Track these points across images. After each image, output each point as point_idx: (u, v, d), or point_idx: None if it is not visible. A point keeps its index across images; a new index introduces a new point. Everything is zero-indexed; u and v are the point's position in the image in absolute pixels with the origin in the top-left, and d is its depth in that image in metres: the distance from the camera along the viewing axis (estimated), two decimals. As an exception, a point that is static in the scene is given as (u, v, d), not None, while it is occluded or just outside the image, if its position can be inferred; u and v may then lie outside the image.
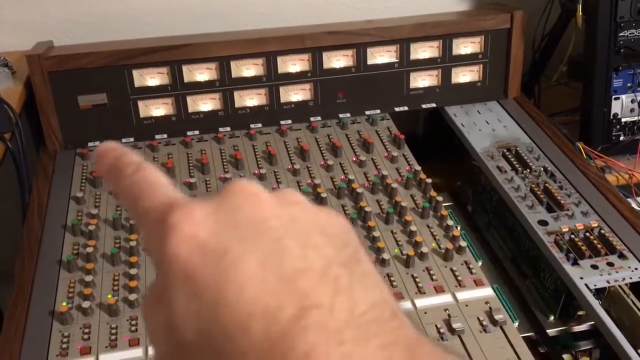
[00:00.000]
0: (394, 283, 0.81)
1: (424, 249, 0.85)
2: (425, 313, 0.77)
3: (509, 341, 0.74)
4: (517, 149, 1.07)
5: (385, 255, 0.84)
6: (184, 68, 1.09)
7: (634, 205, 1.04)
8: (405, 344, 0.23)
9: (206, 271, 0.24)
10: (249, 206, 0.26)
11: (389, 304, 0.24)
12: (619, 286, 0.81)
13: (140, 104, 1.10)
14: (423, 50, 1.18)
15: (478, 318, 0.76)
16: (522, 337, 0.76)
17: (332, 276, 0.24)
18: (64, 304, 0.78)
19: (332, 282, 0.24)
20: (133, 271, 0.82)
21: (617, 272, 0.82)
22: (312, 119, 1.15)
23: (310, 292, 0.23)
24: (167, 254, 0.24)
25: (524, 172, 1.01)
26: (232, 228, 0.25)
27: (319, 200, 0.95)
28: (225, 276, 0.23)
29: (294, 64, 1.13)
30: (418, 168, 1.03)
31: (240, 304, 0.23)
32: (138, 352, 0.73)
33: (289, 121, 1.14)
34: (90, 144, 1.08)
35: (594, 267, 0.83)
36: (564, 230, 0.89)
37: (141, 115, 1.10)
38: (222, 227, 0.25)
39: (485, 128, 1.14)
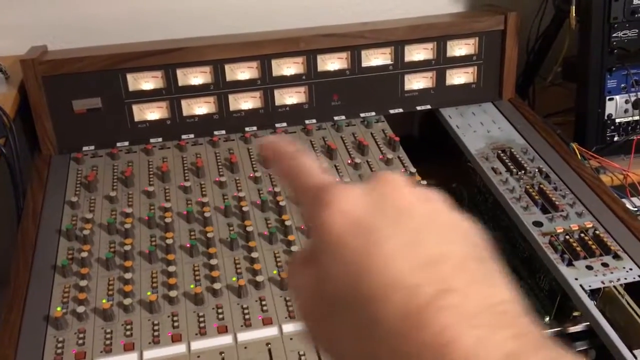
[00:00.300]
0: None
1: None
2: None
3: None
4: (512, 150, 1.07)
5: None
6: (179, 72, 1.09)
7: (629, 206, 1.04)
8: (535, 339, 0.25)
9: (356, 242, 0.27)
10: (397, 195, 0.29)
11: (518, 303, 0.26)
12: (614, 287, 0.81)
13: (135, 107, 1.10)
14: (417, 52, 1.18)
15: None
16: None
17: (468, 268, 0.27)
18: (59, 309, 0.78)
19: (467, 273, 0.26)
20: (128, 276, 0.82)
21: (611, 272, 0.82)
22: (307, 121, 1.15)
23: (447, 277, 0.26)
24: (323, 224, 0.28)
25: (519, 173, 1.02)
26: (381, 212, 0.28)
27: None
28: (373, 249, 0.27)
29: (288, 67, 1.13)
30: (413, 170, 1.03)
31: (383, 275, 0.26)
32: (133, 356, 0.72)
33: (284, 124, 1.14)
34: (84, 148, 1.08)
35: (589, 267, 0.83)
36: (558, 231, 0.89)
37: (136, 119, 1.10)
38: (372, 209, 0.28)
39: (480, 129, 1.14)
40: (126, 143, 1.09)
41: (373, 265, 0.26)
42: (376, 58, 1.16)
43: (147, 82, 1.09)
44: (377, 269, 0.26)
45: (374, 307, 0.26)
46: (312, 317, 0.30)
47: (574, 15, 1.13)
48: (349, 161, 1.05)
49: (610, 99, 1.16)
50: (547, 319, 0.87)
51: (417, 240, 0.27)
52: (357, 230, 0.28)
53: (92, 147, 1.08)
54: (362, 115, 1.17)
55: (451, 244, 0.28)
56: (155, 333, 0.75)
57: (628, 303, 0.80)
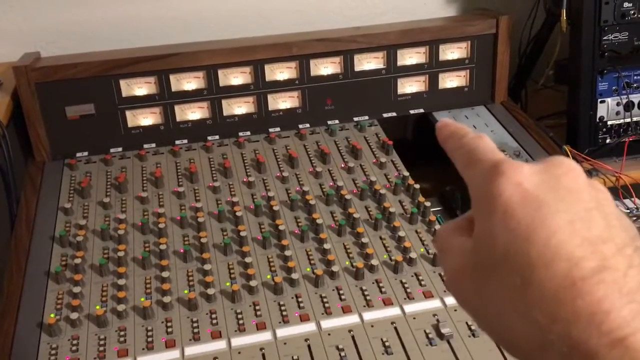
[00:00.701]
0: (383, 289, 0.81)
1: (413, 255, 0.86)
2: (414, 318, 0.77)
3: (498, 345, 0.74)
4: (505, 153, 1.08)
5: (374, 261, 0.85)
6: (172, 77, 1.09)
7: (622, 208, 1.04)
8: None
9: (523, 212, 0.29)
10: (569, 177, 0.30)
11: None
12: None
13: (128, 113, 1.10)
14: (410, 57, 1.18)
15: (467, 323, 0.76)
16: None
17: (628, 253, 0.28)
18: (52, 315, 0.77)
19: (627, 257, 0.28)
20: (121, 282, 0.82)
21: None
22: (300, 126, 1.15)
23: (609, 257, 0.28)
24: (493, 191, 0.30)
25: (512, 176, 1.02)
26: (552, 189, 0.30)
27: (307, 207, 0.95)
28: (539, 221, 0.29)
29: (281, 72, 1.14)
30: (406, 174, 1.03)
31: (548, 246, 0.28)
32: (127, 362, 0.72)
33: (278, 129, 1.15)
34: (78, 154, 1.08)
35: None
36: (551, 233, 0.89)
37: (129, 125, 1.10)
38: (544, 185, 0.30)
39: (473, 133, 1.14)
40: (120, 149, 1.09)
41: (539, 236, 0.28)
42: (369, 62, 1.17)
43: (141, 87, 1.09)
44: (543, 239, 0.28)
45: (535, 272, 0.28)
46: (465, 279, 0.32)
47: (564, 18, 1.14)
48: (343, 165, 1.05)
49: (602, 102, 1.17)
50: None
51: (583, 220, 0.29)
52: (527, 202, 0.29)
53: (86, 153, 1.08)
54: (355, 119, 1.17)
55: (614, 229, 0.29)
56: (149, 339, 0.75)
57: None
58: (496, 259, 0.30)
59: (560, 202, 0.29)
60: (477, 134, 0.35)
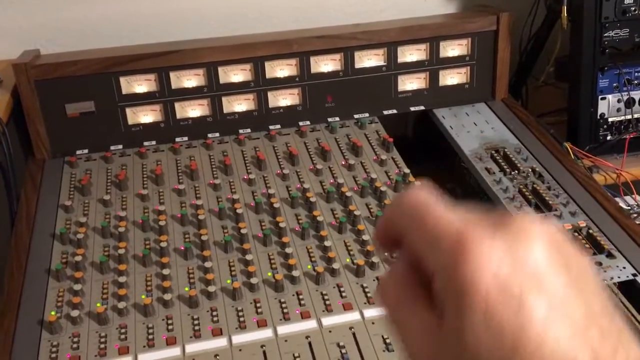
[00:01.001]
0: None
1: (414, 252, 0.86)
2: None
3: None
4: (505, 150, 1.07)
5: (375, 259, 0.84)
6: (172, 74, 1.09)
7: (622, 205, 1.04)
8: None
9: (506, 313, 0.25)
10: (541, 248, 0.26)
11: None
12: (608, 286, 0.82)
13: (129, 111, 1.10)
14: (410, 53, 1.18)
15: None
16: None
17: (607, 330, 0.26)
18: (53, 313, 0.77)
19: (610, 337, 0.25)
20: (122, 279, 0.82)
21: (605, 271, 0.83)
22: (300, 123, 1.15)
23: (597, 345, 0.25)
24: (465, 284, 0.26)
25: (512, 173, 1.02)
26: (529, 274, 0.26)
27: (308, 204, 0.95)
28: (525, 325, 0.25)
29: (282, 69, 1.14)
30: (407, 171, 1.03)
31: (541, 348, 0.25)
32: (128, 360, 0.72)
33: (278, 126, 1.14)
34: (78, 152, 1.08)
35: (582, 266, 0.83)
36: (552, 230, 0.89)
37: (129, 122, 1.10)
38: (520, 270, 0.26)
39: (474, 130, 1.14)
40: (120, 146, 1.09)
41: (528, 345, 0.25)
42: (369, 59, 1.17)
43: (141, 85, 1.09)
44: (532, 349, 0.25)
45: None
46: None
47: (565, 15, 1.14)
48: (343, 162, 1.05)
49: (603, 98, 1.17)
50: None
51: (566, 302, 0.26)
52: (504, 298, 0.25)
53: (86, 151, 1.08)
54: (355, 116, 1.17)
55: (590, 299, 0.26)
56: (150, 336, 0.75)
57: (622, 302, 0.80)
58: None
59: (539, 289, 0.26)
60: (415, 190, 0.30)
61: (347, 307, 0.78)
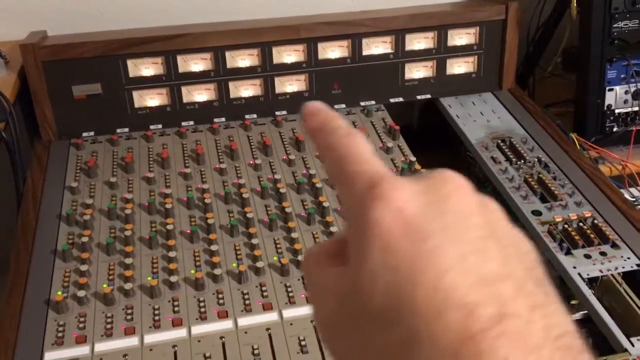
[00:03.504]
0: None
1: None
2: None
3: None
4: (512, 139, 1.07)
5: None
6: (179, 58, 1.09)
7: (627, 196, 1.05)
8: None
9: (406, 247, 0.24)
10: (458, 198, 0.25)
11: (576, 335, 0.24)
12: (612, 275, 0.82)
13: (135, 94, 1.10)
14: (418, 41, 1.18)
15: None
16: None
17: (529, 290, 0.24)
18: (59, 293, 0.78)
19: (529, 296, 0.23)
20: (128, 260, 0.82)
21: (609, 261, 0.83)
22: (307, 109, 1.14)
23: (509, 299, 0.23)
24: (369, 220, 0.25)
25: (518, 162, 1.02)
26: (438, 214, 0.25)
27: (314, 190, 0.95)
28: (425, 258, 0.23)
29: (289, 55, 1.13)
30: (413, 159, 1.03)
31: (437, 289, 0.23)
32: (134, 340, 0.73)
33: (284, 112, 1.14)
34: (84, 134, 1.08)
35: (587, 256, 0.84)
36: (557, 220, 0.90)
37: (136, 106, 1.10)
38: (428, 210, 0.25)
39: (480, 119, 1.14)
40: (126, 129, 1.09)
41: (426, 277, 0.23)
42: (377, 47, 1.16)
43: (148, 68, 1.09)
44: (431, 282, 0.23)
45: (421, 325, 0.23)
46: (335, 324, 0.26)
47: (574, 5, 1.13)
48: (349, 149, 1.05)
49: (610, 90, 1.16)
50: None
51: (479, 251, 0.24)
52: (410, 233, 0.24)
53: (92, 133, 1.08)
54: (362, 104, 1.17)
55: (511, 260, 0.24)
56: (156, 317, 0.75)
57: (625, 291, 0.81)
58: (376, 305, 0.24)
59: (448, 231, 0.24)
60: (349, 129, 0.29)
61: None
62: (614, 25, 1.11)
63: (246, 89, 1.14)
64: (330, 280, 0.27)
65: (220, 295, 0.78)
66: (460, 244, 0.24)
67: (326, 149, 0.29)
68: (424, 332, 0.22)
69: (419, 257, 0.23)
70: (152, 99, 1.11)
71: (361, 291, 0.25)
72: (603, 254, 0.84)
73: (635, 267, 0.83)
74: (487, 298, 0.23)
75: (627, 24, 1.11)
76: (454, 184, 0.26)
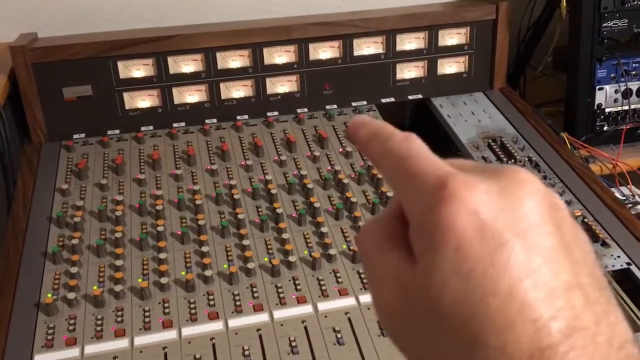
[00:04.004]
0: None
1: (410, 239, 0.86)
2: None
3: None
4: (502, 139, 1.08)
5: (371, 245, 0.85)
6: (170, 59, 1.09)
7: (617, 195, 1.05)
8: None
9: (480, 252, 0.23)
10: (533, 203, 0.25)
11: (635, 343, 0.24)
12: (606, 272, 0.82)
13: (126, 95, 1.09)
14: (409, 42, 1.18)
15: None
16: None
17: (594, 298, 0.24)
18: (49, 295, 0.78)
19: (595, 305, 0.24)
20: (119, 262, 0.82)
21: (600, 260, 0.83)
22: (298, 110, 1.15)
23: (579, 311, 0.23)
24: (441, 219, 0.24)
25: (509, 162, 1.02)
26: (513, 220, 0.24)
27: (305, 191, 0.95)
28: (501, 267, 0.23)
29: (280, 56, 1.13)
30: (404, 159, 1.03)
31: (512, 299, 0.23)
32: (124, 342, 0.72)
33: (276, 113, 1.14)
34: (75, 136, 1.08)
35: (577, 255, 0.84)
36: (548, 219, 0.90)
37: (127, 107, 1.10)
38: (504, 215, 0.24)
39: (471, 119, 1.14)
40: (117, 131, 1.09)
41: (500, 285, 0.23)
42: (368, 47, 1.16)
43: (138, 69, 1.09)
44: (505, 291, 0.23)
45: (492, 333, 0.23)
46: (396, 316, 0.26)
47: (564, 5, 1.13)
48: (340, 150, 1.05)
49: (600, 89, 1.17)
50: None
51: (549, 262, 0.24)
52: (485, 238, 0.23)
53: (83, 135, 1.08)
54: (353, 104, 1.17)
55: (579, 267, 0.24)
56: (146, 319, 0.75)
57: (616, 290, 0.81)
58: (443, 307, 0.24)
59: (524, 240, 0.24)
60: (405, 133, 0.28)
61: (342, 293, 0.79)
62: (604, 25, 1.11)
63: (237, 90, 1.14)
64: (392, 269, 0.26)
65: (210, 297, 0.78)
66: (534, 253, 0.24)
67: (384, 153, 0.28)
68: (493, 340, 0.23)
69: (494, 265, 0.23)
70: (143, 100, 1.11)
71: (430, 291, 0.24)
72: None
73: (625, 266, 0.83)
74: (559, 311, 0.23)
75: (616, 23, 1.12)
76: (530, 188, 0.25)
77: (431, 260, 0.24)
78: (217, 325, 0.74)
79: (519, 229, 0.24)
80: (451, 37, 1.19)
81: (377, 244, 0.28)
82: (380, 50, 1.17)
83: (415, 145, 0.27)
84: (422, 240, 0.25)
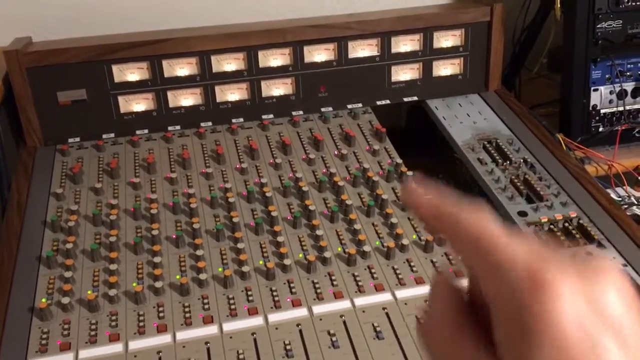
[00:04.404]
0: (375, 275, 0.82)
1: (405, 241, 0.86)
2: (406, 304, 0.77)
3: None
4: (498, 141, 1.08)
5: (367, 248, 0.85)
6: (164, 63, 1.09)
7: (613, 196, 1.05)
8: None
9: (579, 352, 0.24)
10: (622, 301, 0.26)
11: None
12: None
13: (121, 99, 1.09)
14: (404, 44, 1.18)
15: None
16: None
17: None
18: (44, 300, 0.77)
19: None
20: (113, 267, 0.82)
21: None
22: (293, 113, 1.15)
23: None
24: (542, 315, 0.24)
25: (504, 164, 1.02)
26: (606, 318, 0.25)
27: (300, 193, 0.95)
28: None
29: (275, 58, 1.13)
30: (399, 161, 1.03)
31: None
32: (118, 347, 0.72)
33: (271, 115, 1.14)
34: (70, 140, 1.07)
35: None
36: (543, 220, 0.90)
37: (121, 111, 1.10)
38: (598, 311, 0.25)
39: (466, 121, 1.14)
40: (112, 135, 1.09)
41: None
42: (363, 49, 1.16)
43: (133, 73, 1.09)
44: None
45: None
46: None
47: (559, 6, 1.14)
48: (336, 152, 1.05)
49: (595, 90, 1.17)
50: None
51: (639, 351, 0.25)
52: (583, 337, 0.24)
53: (78, 139, 1.08)
54: (349, 106, 1.17)
55: None
56: (141, 324, 0.75)
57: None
58: None
59: (614, 339, 0.25)
60: (475, 206, 0.29)
61: (338, 296, 0.79)
62: (598, 26, 1.12)
63: (232, 93, 1.13)
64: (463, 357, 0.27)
65: (205, 301, 0.78)
66: (622, 351, 0.24)
67: (455, 233, 0.29)
68: None
69: None
70: (138, 104, 1.10)
71: None
72: (589, 254, 0.84)
73: (621, 267, 0.83)
74: None
75: (610, 25, 1.12)
76: (618, 284, 0.26)
77: (525, 353, 0.24)
78: (211, 329, 0.74)
79: (609, 325, 0.25)
80: (446, 39, 1.19)
81: (452, 336, 0.28)
82: (376, 53, 1.17)
83: (490, 225, 0.28)
84: (511, 334, 0.25)
